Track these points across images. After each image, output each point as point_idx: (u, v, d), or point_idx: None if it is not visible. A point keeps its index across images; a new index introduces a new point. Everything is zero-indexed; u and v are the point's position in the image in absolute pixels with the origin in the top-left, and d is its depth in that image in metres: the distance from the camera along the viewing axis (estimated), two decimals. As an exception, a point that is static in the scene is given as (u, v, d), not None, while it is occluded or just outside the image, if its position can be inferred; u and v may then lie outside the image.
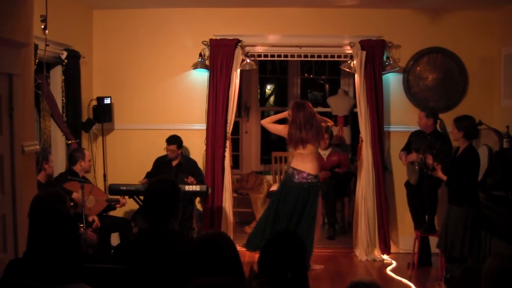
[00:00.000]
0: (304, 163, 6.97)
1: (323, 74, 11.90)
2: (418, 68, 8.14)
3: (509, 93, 7.36)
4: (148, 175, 7.92)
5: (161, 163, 8.01)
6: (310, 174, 6.96)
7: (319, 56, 8.27)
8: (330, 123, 7.51)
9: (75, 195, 6.29)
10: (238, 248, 3.23)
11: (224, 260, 2.98)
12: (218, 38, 8.01)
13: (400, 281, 7.01)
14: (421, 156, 6.87)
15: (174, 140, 7.86)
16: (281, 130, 7.21)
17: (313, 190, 7.01)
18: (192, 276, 2.81)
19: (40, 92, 6.58)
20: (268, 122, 7.39)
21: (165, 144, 7.87)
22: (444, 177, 6.42)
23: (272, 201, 7.30)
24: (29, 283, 2.43)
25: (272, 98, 13.79)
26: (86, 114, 7.95)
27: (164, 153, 7.94)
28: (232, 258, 3.03)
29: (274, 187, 9.20)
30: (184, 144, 8.18)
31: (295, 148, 7.02)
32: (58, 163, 7.36)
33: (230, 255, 3.03)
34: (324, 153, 8.91)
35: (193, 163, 8.09)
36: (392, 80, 8.17)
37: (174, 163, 7.96)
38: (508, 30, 7.64)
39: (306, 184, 6.95)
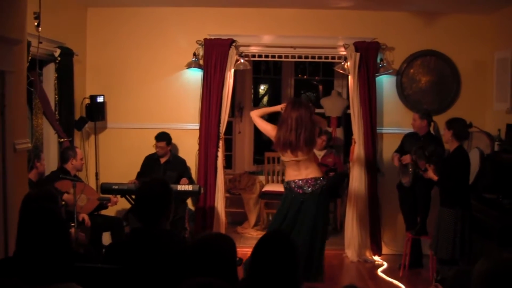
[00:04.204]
0: (303, 169, 5.97)
1: (317, 75, 11.92)
2: (412, 71, 8.16)
3: (501, 96, 7.38)
4: (138, 174, 7.91)
5: (149, 161, 8.02)
6: (318, 178, 5.97)
7: (313, 57, 8.27)
8: (324, 125, 6.71)
9: (66, 195, 6.27)
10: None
11: (222, 262, 2.99)
12: (213, 37, 8.00)
13: (391, 283, 7.03)
14: (412, 156, 6.88)
15: (163, 137, 7.85)
16: (269, 130, 6.10)
17: (325, 193, 6.06)
18: (188, 275, 2.81)
19: (32, 89, 6.55)
20: (257, 115, 6.20)
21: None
22: (435, 177, 6.43)
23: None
24: (18, 282, 2.42)
25: (265, 99, 13.79)
26: (79, 112, 7.93)
27: (153, 150, 7.95)
28: (230, 262, 3.05)
29: (267, 188, 9.21)
30: (177, 143, 8.20)
31: (283, 152, 5.98)
32: (50, 161, 7.34)
33: (229, 258, 3.04)
34: (319, 154, 8.88)
35: (182, 161, 8.09)
36: (386, 82, 8.19)
37: (163, 160, 7.96)
38: (501, 35, 7.66)
39: (319, 190, 5.94)
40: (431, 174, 6.50)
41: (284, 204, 6.06)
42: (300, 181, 5.96)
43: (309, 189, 5.92)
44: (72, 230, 5.89)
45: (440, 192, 6.53)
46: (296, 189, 5.97)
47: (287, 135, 5.84)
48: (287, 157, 5.99)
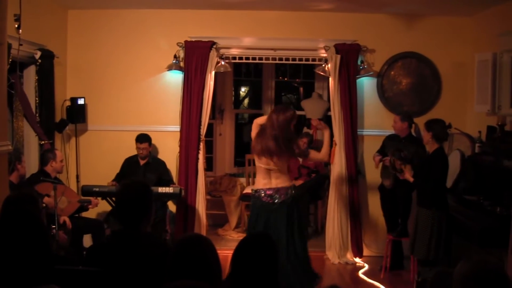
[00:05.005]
0: (273, 178, 5.86)
1: (298, 77, 11.94)
2: (392, 73, 8.19)
3: (482, 98, 7.42)
4: (117, 176, 7.87)
5: (129, 163, 7.99)
6: (288, 187, 5.86)
7: (294, 59, 8.29)
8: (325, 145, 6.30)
9: (46, 198, 6.23)
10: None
11: (206, 263, 2.98)
12: (193, 40, 7.99)
13: (372, 284, 7.05)
14: (390, 158, 6.91)
15: (145, 138, 7.83)
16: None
17: (296, 201, 5.92)
18: (171, 277, 2.81)
19: (13, 92, 6.52)
20: (258, 123, 5.99)
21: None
22: (411, 179, 6.48)
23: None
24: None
25: (246, 101, 13.81)
26: (60, 114, 7.89)
27: (133, 152, 7.92)
28: (213, 263, 3.04)
29: (248, 190, 9.19)
30: (158, 145, 8.18)
31: (259, 158, 5.83)
32: (31, 164, 7.29)
33: (211, 259, 3.03)
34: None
35: (162, 163, 8.08)
36: (366, 84, 8.21)
37: (143, 162, 7.93)
38: (482, 37, 7.71)
39: (289, 199, 5.82)
40: (407, 175, 6.55)
41: (254, 211, 5.98)
42: (269, 190, 5.85)
43: (279, 198, 5.81)
44: (55, 231, 5.88)
45: (417, 192, 6.58)
46: (264, 197, 5.85)
47: (265, 141, 5.72)
48: (261, 163, 5.86)
